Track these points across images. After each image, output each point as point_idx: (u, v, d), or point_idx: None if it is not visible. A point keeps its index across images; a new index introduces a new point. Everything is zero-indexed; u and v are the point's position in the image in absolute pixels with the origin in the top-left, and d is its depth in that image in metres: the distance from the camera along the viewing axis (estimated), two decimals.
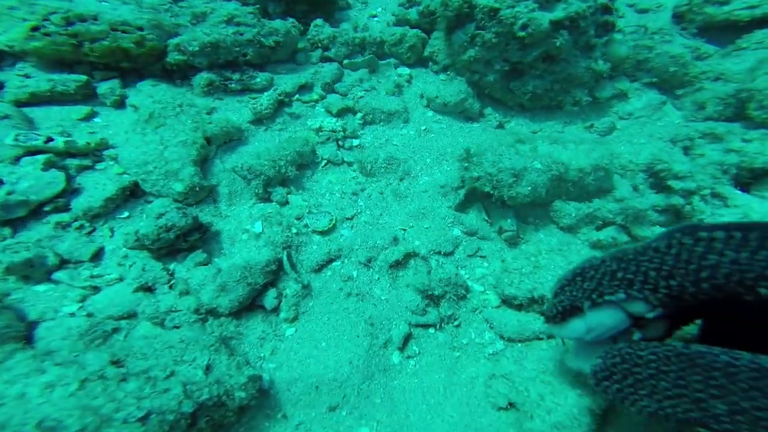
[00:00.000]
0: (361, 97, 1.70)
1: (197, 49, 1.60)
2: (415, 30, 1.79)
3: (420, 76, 1.79)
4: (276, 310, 1.18)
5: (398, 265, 1.29)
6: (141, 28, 1.54)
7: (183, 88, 1.65)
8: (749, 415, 0.56)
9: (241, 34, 1.67)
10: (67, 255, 1.18)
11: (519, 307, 1.24)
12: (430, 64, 1.82)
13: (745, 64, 1.84)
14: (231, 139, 1.54)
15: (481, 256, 1.38)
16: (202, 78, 1.62)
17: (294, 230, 1.34)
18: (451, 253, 1.37)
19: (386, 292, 1.26)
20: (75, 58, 1.53)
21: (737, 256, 0.59)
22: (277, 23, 1.74)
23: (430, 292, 1.22)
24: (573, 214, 1.42)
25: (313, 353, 1.12)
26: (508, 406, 1.05)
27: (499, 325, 1.23)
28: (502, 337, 1.23)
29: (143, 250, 1.19)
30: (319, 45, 1.81)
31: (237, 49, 1.66)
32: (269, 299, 1.18)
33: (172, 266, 1.21)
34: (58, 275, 1.13)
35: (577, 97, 1.74)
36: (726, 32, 2.07)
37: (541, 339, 1.20)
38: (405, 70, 1.78)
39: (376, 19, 1.99)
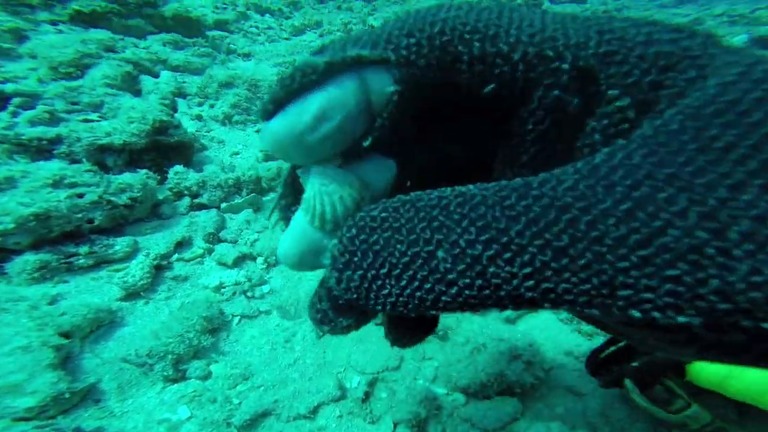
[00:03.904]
0: (256, 240, 1.53)
1: (12, 226, 1.14)
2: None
3: None
4: None
5: (368, 397, 1.14)
6: None
7: None
8: (465, 255, 0.26)
9: (81, 196, 1.30)
10: None
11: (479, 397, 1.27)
12: None
13: None
14: (100, 326, 1.10)
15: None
16: (28, 262, 1.13)
17: (236, 401, 1.04)
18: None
19: (370, 424, 1.10)
20: None
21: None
22: (128, 177, 1.43)
23: (419, 417, 1.10)
24: None
25: None
26: None
27: (479, 421, 1.22)
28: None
29: None
30: (186, 192, 1.57)
31: (78, 215, 1.27)
32: None
33: None
34: None
35: None
36: None
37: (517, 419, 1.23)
38: None
39: (239, 156, 1.89)
